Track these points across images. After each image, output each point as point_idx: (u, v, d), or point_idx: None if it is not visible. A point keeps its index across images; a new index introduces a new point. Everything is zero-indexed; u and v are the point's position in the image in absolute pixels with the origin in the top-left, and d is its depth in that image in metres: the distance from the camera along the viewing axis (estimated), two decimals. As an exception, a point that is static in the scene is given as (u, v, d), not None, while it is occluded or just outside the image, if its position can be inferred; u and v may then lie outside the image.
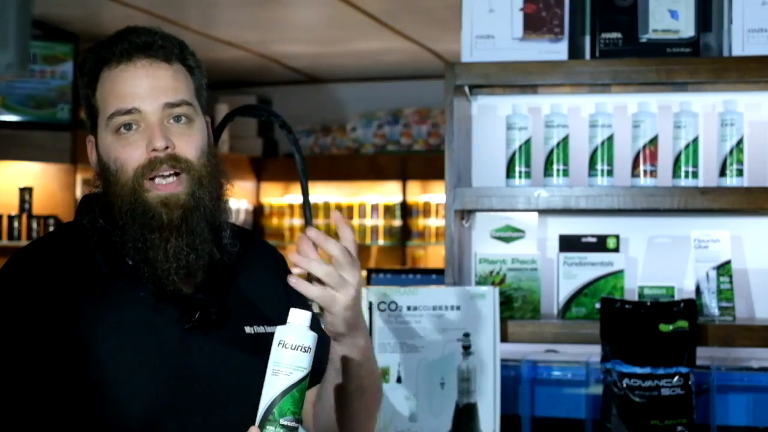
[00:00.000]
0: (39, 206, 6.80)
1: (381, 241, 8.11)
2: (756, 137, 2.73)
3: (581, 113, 2.81)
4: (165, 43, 1.73)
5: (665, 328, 2.50)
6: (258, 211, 8.46)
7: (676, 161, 2.65)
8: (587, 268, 2.72)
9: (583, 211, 2.73)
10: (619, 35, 2.70)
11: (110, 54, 1.71)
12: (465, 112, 2.82)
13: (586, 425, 2.62)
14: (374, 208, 8.12)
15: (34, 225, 6.74)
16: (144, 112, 1.69)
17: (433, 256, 7.97)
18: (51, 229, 6.57)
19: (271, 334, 1.52)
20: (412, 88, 8.04)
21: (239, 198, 8.12)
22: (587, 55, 2.73)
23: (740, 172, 2.62)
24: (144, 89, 1.70)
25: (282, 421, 1.47)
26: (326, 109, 8.41)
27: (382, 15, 6.19)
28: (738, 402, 2.56)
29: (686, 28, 2.66)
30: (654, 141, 2.66)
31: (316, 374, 1.70)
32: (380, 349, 2.45)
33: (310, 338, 1.50)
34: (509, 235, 2.81)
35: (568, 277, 2.72)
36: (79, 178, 6.75)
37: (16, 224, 6.72)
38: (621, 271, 2.72)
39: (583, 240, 2.74)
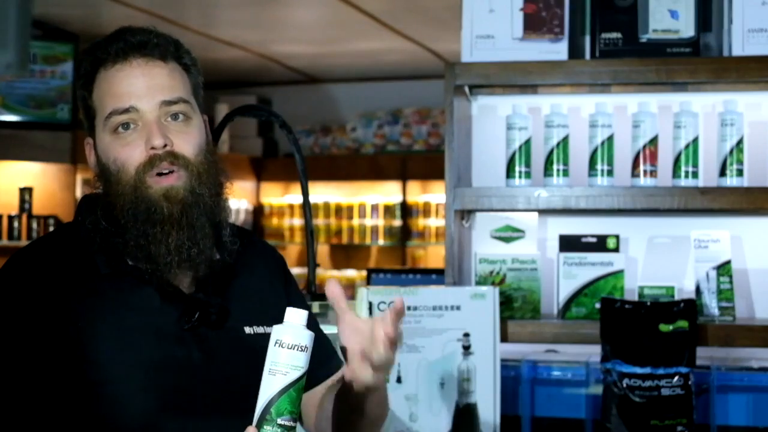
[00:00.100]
0: (39, 206, 6.80)
1: (381, 241, 8.11)
2: (756, 137, 2.73)
3: (581, 113, 2.81)
4: (160, 41, 1.73)
5: (665, 328, 2.50)
6: (258, 211, 8.46)
7: (676, 161, 2.65)
8: (587, 268, 2.72)
9: (583, 211, 2.73)
10: (619, 35, 2.70)
11: (106, 54, 1.71)
12: (465, 112, 2.82)
13: (586, 425, 2.62)
14: (374, 208, 8.12)
15: (34, 225, 6.74)
16: (141, 111, 1.69)
17: (433, 256, 7.96)
18: (51, 229, 6.57)
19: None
20: (412, 88, 8.04)
21: (239, 198, 8.11)
22: (587, 55, 2.73)
23: (740, 172, 2.62)
24: (140, 88, 1.70)
25: (279, 421, 1.47)
26: (326, 109, 8.41)
27: (382, 15, 6.19)
28: (738, 402, 2.56)
29: (686, 28, 2.66)
30: (654, 141, 2.66)
31: (316, 376, 1.69)
32: (380, 349, 2.45)
33: (306, 337, 1.49)
34: (509, 235, 2.81)
35: (568, 277, 2.72)
36: (79, 178, 6.75)
37: (16, 224, 6.72)
38: (621, 271, 2.71)
39: (583, 240, 2.74)
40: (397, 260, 8.10)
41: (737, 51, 2.63)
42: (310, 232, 2.60)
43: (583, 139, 2.71)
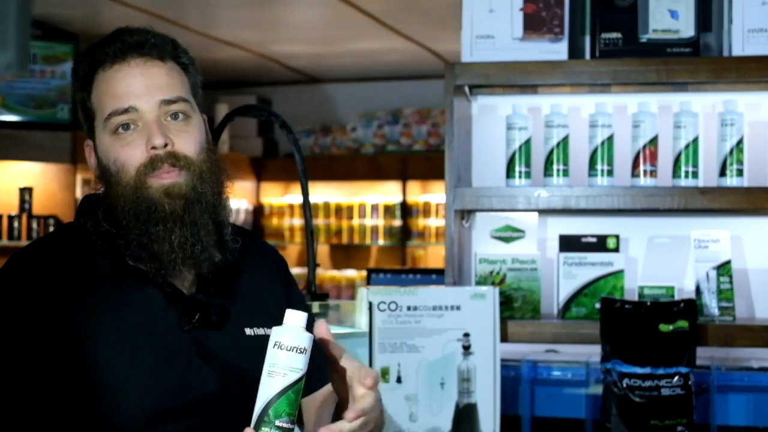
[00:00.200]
0: (39, 206, 6.80)
1: (381, 241, 8.11)
2: (756, 137, 2.73)
3: (581, 113, 2.81)
4: (158, 41, 1.73)
5: (665, 328, 2.50)
6: (258, 211, 8.46)
7: (676, 161, 2.65)
8: (587, 268, 2.72)
9: (583, 211, 2.73)
10: (619, 35, 2.70)
11: (104, 55, 1.71)
12: (465, 112, 2.82)
13: (586, 425, 2.62)
14: (374, 208, 8.12)
15: (34, 225, 6.74)
16: (141, 111, 1.69)
17: (433, 256, 7.96)
18: (51, 229, 6.57)
19: (271, 336, 1.52)
20: (412, 88, 8.04)
21: (239, 198, 8.11)
22: (587, 55, 2.73)
23: (740, 172, 2.62)
24: (139, 87, 1.69)
25: (277, 423, 1.47)
26: (326, 109, 8.41)
27: (382, 15, 6.19)
28: (738, 402, 2.56)
29: (686, 28, 2.66)
30: (654, 141, 2.66)
31: (316, 380, 1.68)
32: (380, 349, 2.45)
33: (306, 339, 1.49)
34: (509, 235, 2.81)
35: (568, 277, 2.72)
36: (79, 178, 6.75)
37: (16, 224, 6.72)
38: (621, 271, 2.71)
39: (583, 240, 2.74)
40: (397, 260, 8.10)
41: (737, 51, 2.63)
42: (310, 232, 2.60)
43: (583, 139, 2.71)
